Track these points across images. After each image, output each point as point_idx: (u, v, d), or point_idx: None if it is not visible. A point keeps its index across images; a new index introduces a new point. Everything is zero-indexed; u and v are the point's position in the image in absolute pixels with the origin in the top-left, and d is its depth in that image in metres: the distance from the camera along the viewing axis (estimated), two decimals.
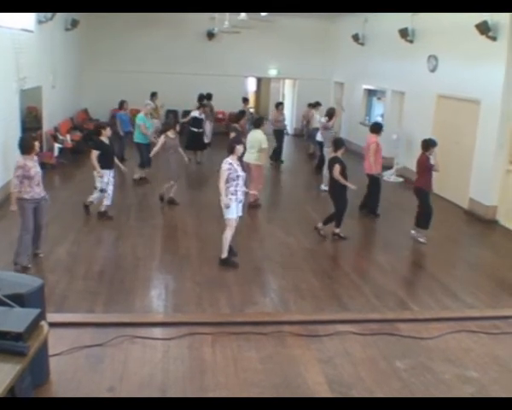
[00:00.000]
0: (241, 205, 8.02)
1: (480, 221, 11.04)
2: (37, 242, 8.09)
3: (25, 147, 7.64)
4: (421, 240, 9.65)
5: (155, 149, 11.21)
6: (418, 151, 9.92)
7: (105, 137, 10.07)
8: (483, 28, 10.64)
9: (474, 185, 11.51)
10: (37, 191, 7.71)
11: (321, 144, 14.19)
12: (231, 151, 7.94)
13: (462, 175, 11.88)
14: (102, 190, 10.01)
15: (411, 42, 14.26)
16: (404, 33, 14.21)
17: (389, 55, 15.76)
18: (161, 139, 11.09)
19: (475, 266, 8.81)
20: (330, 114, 13.53)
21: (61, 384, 4.49)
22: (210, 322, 5.78)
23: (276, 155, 16.24)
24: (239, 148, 7.99)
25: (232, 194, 7.76)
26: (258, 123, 11.59)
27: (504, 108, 10.65)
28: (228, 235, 7.97)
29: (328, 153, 11.49)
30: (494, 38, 10.68)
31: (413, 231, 9.85)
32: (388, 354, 5.22)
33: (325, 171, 12.02)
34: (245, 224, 10.33)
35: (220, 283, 7.50)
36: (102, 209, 10.11)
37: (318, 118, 16.15)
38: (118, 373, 4.67)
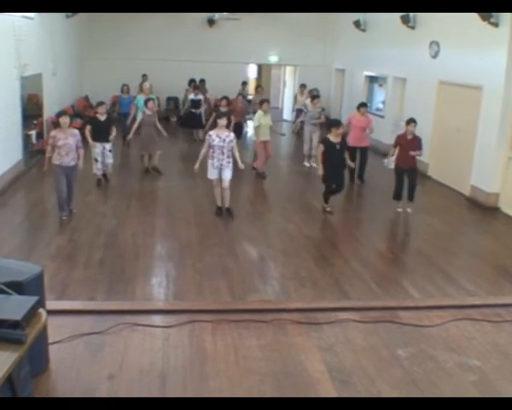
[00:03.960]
0: (219, 170, 9.53)
1: (482, 208, 10.99)
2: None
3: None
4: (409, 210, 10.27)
5: (134, 126, 12.44)
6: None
7: (100, 115, 11.32)
8: (485, 14, 10.55)
9: (476, 172, 11.45)
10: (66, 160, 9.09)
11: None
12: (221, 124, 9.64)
13: (463, 162, 11.82)
14: (96, 160, 11.21)
15: (413, 28, 14.14)
16: (405, 19, 14.08)
17: (390, 42, 15.63)
18: (139, 117, 12.45)
19: (477, 254, 8.78)
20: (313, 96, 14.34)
21: (61, 372, 4.49)
22: (210, 310, 5.77)
23: None
24: (220, 121, 9.60)
25: (210, 159, 9.56)
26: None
27: (507, 95, 10.56)
28: (214, 190, 9.86)
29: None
30: (496, 25, 10.58)
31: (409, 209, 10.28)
32: (389, 341, 5.20)
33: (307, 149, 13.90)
34: (245, 211, 10.33)
35: (221, 270, 7.48)
36: (98, 175, 11.40)
37: (299, 98, 17.89)
38: (118, 361, 4.66)
